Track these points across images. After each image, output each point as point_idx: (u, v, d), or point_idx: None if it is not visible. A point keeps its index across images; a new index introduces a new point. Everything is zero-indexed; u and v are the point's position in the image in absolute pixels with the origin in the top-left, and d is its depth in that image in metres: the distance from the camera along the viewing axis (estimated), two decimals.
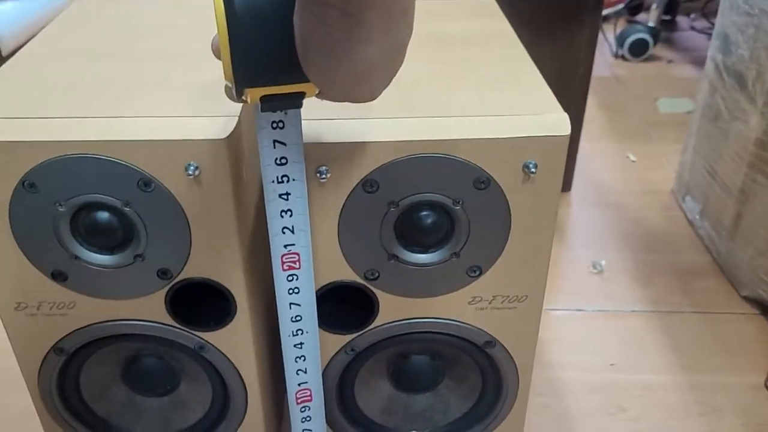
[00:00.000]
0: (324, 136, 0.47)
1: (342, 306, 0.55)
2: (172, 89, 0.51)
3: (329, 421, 0.61)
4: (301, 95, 0.38)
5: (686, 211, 1.16)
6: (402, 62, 0.37)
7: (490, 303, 0.55)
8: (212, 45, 0.38)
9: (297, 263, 0.46)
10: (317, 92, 0.38)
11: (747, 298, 0.98)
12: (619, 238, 1.12)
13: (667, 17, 2.07)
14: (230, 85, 0.37)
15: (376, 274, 0.53)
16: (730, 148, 1.00)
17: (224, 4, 0.34)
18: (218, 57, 0.36)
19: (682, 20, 2.11)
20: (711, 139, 1.07)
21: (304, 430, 0.55)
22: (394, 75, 0.38)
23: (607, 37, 1.92)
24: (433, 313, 0.55)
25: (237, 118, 0.47)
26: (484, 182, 0.49)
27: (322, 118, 0.48)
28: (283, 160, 0.42)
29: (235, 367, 0.57)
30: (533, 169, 0.48)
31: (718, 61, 1.04)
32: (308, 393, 0.53)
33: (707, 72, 1.09)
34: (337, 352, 0.57)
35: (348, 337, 0.56)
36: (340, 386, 0.61)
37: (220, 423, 0.61)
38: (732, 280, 1.01)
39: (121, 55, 0.57)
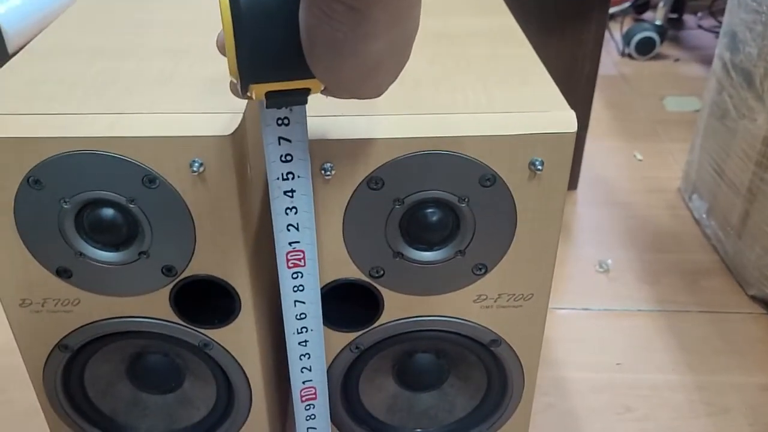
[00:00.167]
0: (329, 133, 0.47)
1: (347, 304, 0.55)
2: (176, 85, 0.51)
3: (334, 419, 0.61)
4: (306, 92, 0.38)
5: (693, 209, 1.16)
6: (408, 59, 0.37)
7: (495, 301, 0.55)
8: (217, 41, 0.37)
9: (302, 261, 0.46)
10: (322, 88, 0.38)
11: (754, 298, 0.97)
12: (625, 237, 1.11)
13: (674, 15, 2.06)
14: (235, 81, 0.37)
15: (381, 272, 0.53)
16: (737, 146, 1.00)
17: (229, 0, 0.34)
18: (223, 53, 0.36)
19: (689, 18, 2.11)
20: (718, 137, 1.06)
21: (308, 428, 0.55)
22: (400, 72, 0.38)
23: (614, 35, 1.91)
24: (438, 311, 0.55)
25: (242, 114, 0.47)
26: (489, 179, 0.49)
27: (327, 115, 0.48)
28: (288, 157, 0.42)
29: (240, 365, 0.57)
30: (539, 167, 0.48)
31: (726, 59, 1.03)
32: (313, 391, 0.53)
33: (714, 70, 1.08)
34: (341, 350, 0.57)
35: (353, 335, 0.56)
36: (345, 384, 0.60)
37: (224, 421, 0.61)
38: (739, 279, 1.00)
39: (126, 52, 0.57)
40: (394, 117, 0.48)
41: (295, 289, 0.47)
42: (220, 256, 0.51)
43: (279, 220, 0.44)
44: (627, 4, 1.97)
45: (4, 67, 0.55)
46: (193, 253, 0.50)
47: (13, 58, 0.56)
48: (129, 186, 0.47)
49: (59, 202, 0.48)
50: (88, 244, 0.50)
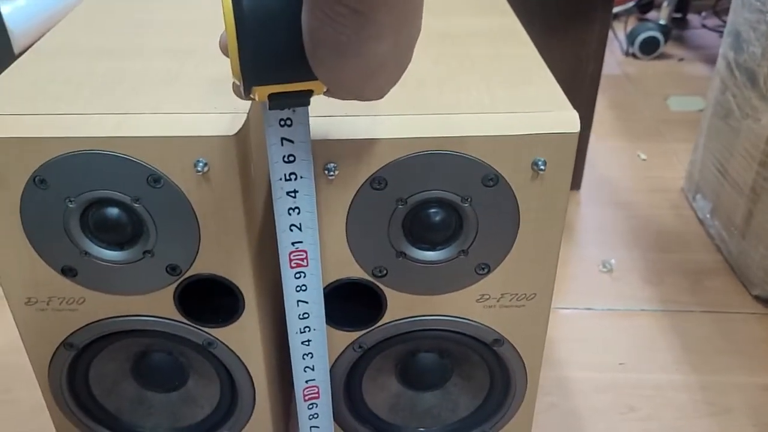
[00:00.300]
0: (332, 133, 0.47)
1: (350, 303, 0.55)
2: (181, 86, 0.52)
3: (337, 418, 0.61)
4: (309, 93, 0.38)
5: (697, 209, 1.16)
6: (410, 61, 0.37)
7: (498, 301, 0.55)
8: (220, 42, 0.38)
9: (305, 261, 0.46)
10: (325, 90, 0.38)
11: (758, 298, 0.97)
12: (628, 237, 1.11)
13: (678, 15, 2.06)
14: (238, 82, 0.37)
15: (384, 272, 0.53)
16: (741, 146, 0.99)
17: (232, 2, 0.34)
18: (226, 54, 0.36)
19: (693, 18, 2.10)
20: (722, 137, 1.06)
21: (311, 427, 0.55)
22: (402, 74, 0.38)
23: (618, 35, 1.91)
24: (441, 310, 0.55)
25: (245, 114, 0.47)
26: (492, 179, 0.49)
27: (330, 115, 0.48)
28: (291, 158, 0.43)
29: (243, 364, 0.57)
30: (542, 167, 0.48)
31: (730, 59, 1.03)
32: (316, 390, 0.53)
33: (718, 69, 1.08)
34: (344, 350, 0.57)
35: (356, 335, 0.56)
36: (348, 383, 0.61)
37: (228, 419, 0.61)
38: (743, 279, 1.00)
39: (131, 52, 0.57)
40: (397, 117, 0.48)
41: (298, 288, 0.47)
42: (224, 256, 0.51)
43: (282, 221, 0.45)
44: (631, 4, 1.97)
45: (11, 67, 0.55)
46: (197, 253, 0.51)
47: (20, 58, 0.57)
48: (134, 185, 0.48)
49: (65, 201, 0.48)
50: (93, 243, 0.51)
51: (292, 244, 0.46)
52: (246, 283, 0.52)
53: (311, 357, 0.51)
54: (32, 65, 0.55)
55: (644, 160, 1.34)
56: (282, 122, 0.41)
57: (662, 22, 1.85)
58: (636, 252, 1.07)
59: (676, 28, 1.97)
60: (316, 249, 0.46)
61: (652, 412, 0.79)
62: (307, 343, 0.50)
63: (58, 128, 0.47)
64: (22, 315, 0.54)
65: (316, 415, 0.54)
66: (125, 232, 0.50)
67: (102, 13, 0.67)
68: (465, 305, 0.55)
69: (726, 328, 0.92)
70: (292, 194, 0.44)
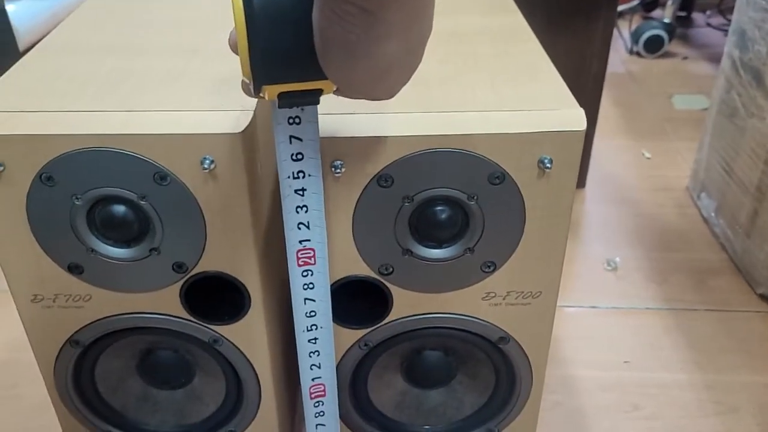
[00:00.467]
0: (339, 131, 0.47)
1: (356, 301, 0.55)
2: (188, 83, 0.52)
3: (342, 416, 0.61)
4: (319, 92, 0.38)
5: (701, 208, 1.16)
6: (420, 60, 0.37)
7: (504, 299, 0.55)
8: (229, 40, 0.37)
9: (312, 259, 0.46)
10: (335, 89, 0.38)
11: (763, 297, 0.97)
12: (633, 236, 1.11)
13: (683, 13, 2.05)
14: (247, 81, 0.37)
15: (391, 269, 0.53)
16: (746, 145, 0.99)
17: (242, 0, 0.34)
18: (235, 52, 0.36)
19: (697, 16, 2.10)
20: (727, 135, 1.06)
21: (317, 424, 0.55)
22: (413, 73, 0.37)
23: (622, 33, 1.90)
24: (447, 308, 0.55)
25: (252, 112, 0.47)
26: (498, 177, 0.49)
27: (337, 113, 0.48)
28: (299, 156, 0.42)
29: (249, 361, 0.57)
30: (548, 165, 0.48)
31: (735, 57, 1.03)
32: (322, 388, 0.53)
33: (723, 68, 1.08)
34: (350, 347, 0.57)
35: (362, 332, 0.56)
36: (354, 381, 0.61)
37: (233, 416, 0.61)
38: (748, 278, 1.00)
39: (137, 49, 0.57)
40: (403, 115, 0.48)
41: (305, 286, 0.47)
42: (230, 253, 0.51)
43: (290, 218, 0.45)
44: (635, 2, 1.96)
45: (17, 64, 0.55)
46: (203, 250, 0.51)
47: (25, 56, 0.57)
48: (140, 183, 0.48)
49: (71, 198, 0.48)
50: (100, 240, 0.51)
51: (300, 242, 0.46)
52: (252, 280, 0.52)
53: (318, 355, 0.51)
54: (38, 63, 0.55)
55: (649, 158, 1.34)
56: (291, 120, 0.41)
57: (667, 20, 1.85)
58: (640, 250, 1.07)
59: (680, 27, 1.97)
60: (323, 247, 0.46)
61: (656, 411, 0.79)
62: (314, 341, 0.50)
63: (65, 125, 0.47)
64: (28, 312, 0.55)
65: (322, 413, 0.54)
66: (132, 230, 0.50)
67: (107, 11, 0.67)
68: (471, 303, 0.55)
69: (731, 326, 0.92)
70: (300, 192, 0.44)
